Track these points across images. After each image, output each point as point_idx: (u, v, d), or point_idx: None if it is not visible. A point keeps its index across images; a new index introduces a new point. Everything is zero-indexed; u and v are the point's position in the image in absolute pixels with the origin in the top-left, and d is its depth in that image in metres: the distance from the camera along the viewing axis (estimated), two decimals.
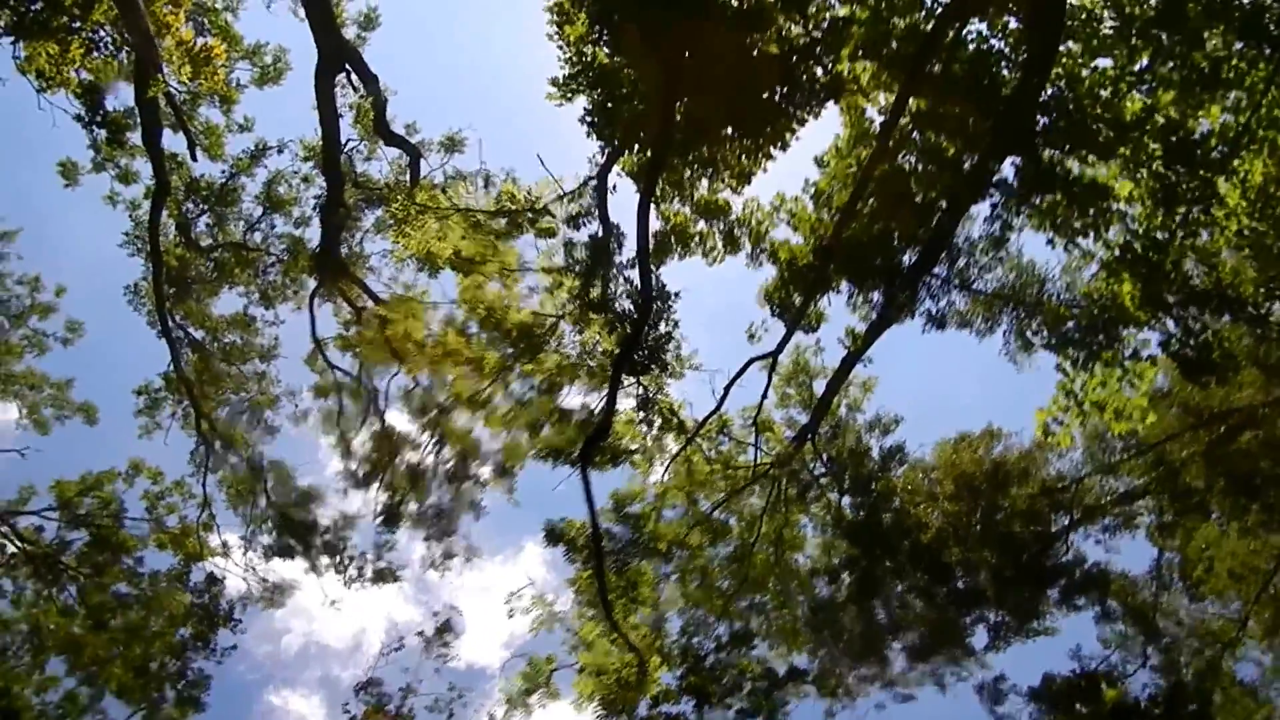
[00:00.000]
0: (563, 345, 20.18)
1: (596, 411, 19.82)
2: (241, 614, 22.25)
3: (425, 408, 23.37)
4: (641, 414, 20.30)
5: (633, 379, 19.38)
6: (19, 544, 21.77)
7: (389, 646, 19.49)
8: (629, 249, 17.48)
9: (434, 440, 23.31)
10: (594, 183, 17.65)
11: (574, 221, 18.02)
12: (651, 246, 17.34)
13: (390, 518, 23.11)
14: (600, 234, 17.72)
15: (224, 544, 23.27)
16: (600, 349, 19.70)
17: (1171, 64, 11.51)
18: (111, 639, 20.72)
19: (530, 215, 18.21)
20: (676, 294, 17.49)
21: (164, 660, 20.51)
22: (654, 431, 20.70)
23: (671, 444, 21.01)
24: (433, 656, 19.91)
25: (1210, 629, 22.34)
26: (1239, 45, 11.10)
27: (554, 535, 20.54)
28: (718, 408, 19.79)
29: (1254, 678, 21.69)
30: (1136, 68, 11.91)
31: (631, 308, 17.69)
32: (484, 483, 22.78)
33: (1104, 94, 12.28)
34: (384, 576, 23.69)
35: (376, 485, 23.29)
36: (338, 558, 23.41)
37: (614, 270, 17.90)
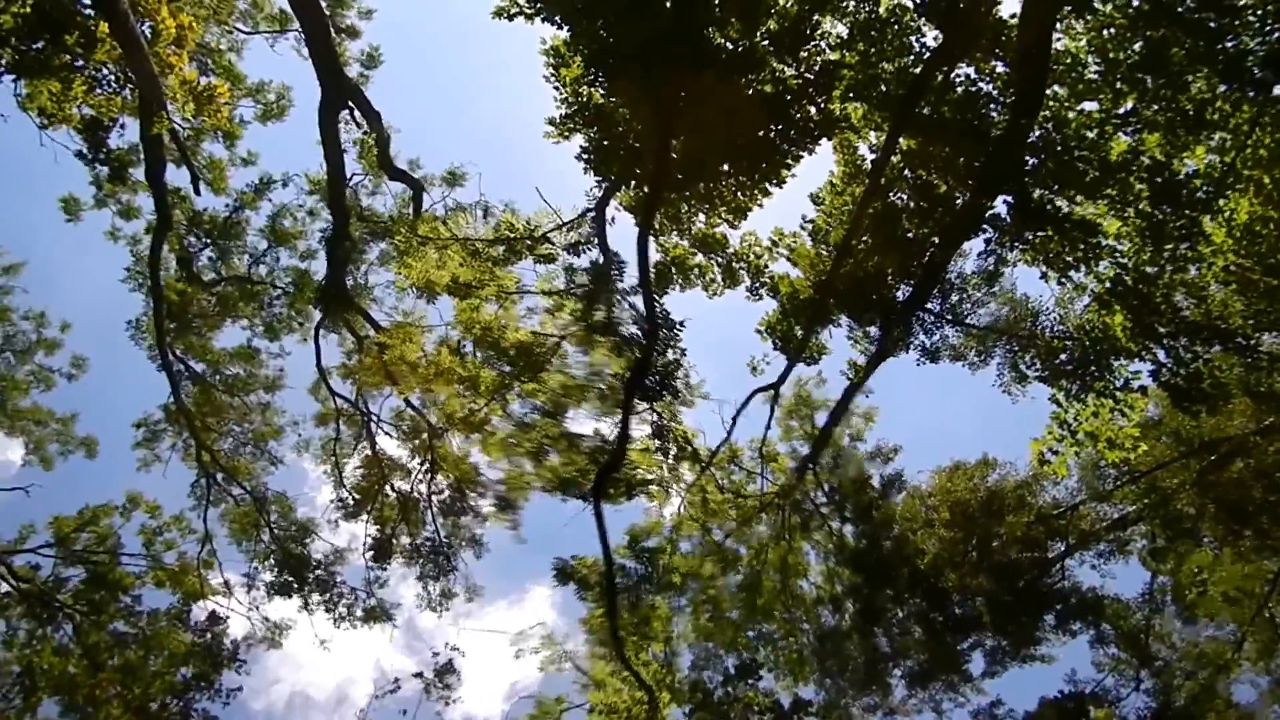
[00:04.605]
0: (567, 366, 20.12)
1: (610, 438, 19.36)
2: (246, 654, 21.62)
3: (419, 430, 23.15)
4: (657, 442, 19.88)
5: (645, 405, 19.15)
6: (13, 582, 21.26)
7: (384, 688, 18.93)
8: (630, 276, 17.69)
9: (428, 468, 23.09)
10: (592, 214, 17.91)
11: (574, 249, 18.18)
12: (653, 276, 17.57)
13: (381, 552, 22.53)
14: (601, 260, 17.94)
15: (226, 582, 22.79)
16: (609, 371, 19.69)
17: (1156, 106, 11.77)
18: (108, 679, 20.10)
19: (529, 243, 18.37)
20: (681, 322, 17.75)
21: (165, 701, 20.02)
22: (670, 460, 20.28)
23: (686, 473, 20.70)
24: (434, 699, 19.24)
25: (1204, 652, 22.36)
26: (1223, 88, 11.35)
27: (564, 574, 19.71)
28: (728, 436, 19.84)
29: (1251, 700, 21.60)
30: (1122, 111, 12.18)
31: (639, 333, 17.83)
32: (485, 517, 22.53)
33: (1090, 135, 12.56)
34: (375, 615, 22.85)
35: (366, 517, 22.82)
36: (329, 594, 22.74)
37: (616, 295, 18.02)
